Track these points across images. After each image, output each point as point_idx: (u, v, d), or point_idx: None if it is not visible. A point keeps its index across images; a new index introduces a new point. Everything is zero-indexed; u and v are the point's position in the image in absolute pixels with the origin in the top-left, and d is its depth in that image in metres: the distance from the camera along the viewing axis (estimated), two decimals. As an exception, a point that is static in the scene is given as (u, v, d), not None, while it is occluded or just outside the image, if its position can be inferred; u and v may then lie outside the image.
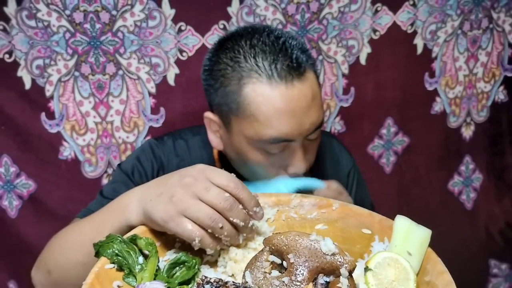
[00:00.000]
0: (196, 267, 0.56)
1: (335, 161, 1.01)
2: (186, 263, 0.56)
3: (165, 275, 0.55)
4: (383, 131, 1.36)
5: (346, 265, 0.46)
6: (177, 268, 0.56)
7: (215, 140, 0.87)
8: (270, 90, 0.75)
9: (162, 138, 0.97)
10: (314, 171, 0.92)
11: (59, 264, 0.72)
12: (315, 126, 0.79)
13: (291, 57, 0.76)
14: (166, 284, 0.51)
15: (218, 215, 0.56)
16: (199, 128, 0.94)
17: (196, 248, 0.57)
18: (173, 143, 0.95)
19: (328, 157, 1.00)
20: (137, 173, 0.90)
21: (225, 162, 0.90)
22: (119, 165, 0.97)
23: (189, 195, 0.57)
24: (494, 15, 1.33)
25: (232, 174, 0.60)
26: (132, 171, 0.90)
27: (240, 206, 0.57)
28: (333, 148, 1.03)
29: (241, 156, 0.83)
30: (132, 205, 0.63)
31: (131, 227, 0.63)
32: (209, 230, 0.56)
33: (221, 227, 0.56)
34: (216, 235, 0.57)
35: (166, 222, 0.57)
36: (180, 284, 0.53)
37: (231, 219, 0.56)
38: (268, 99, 0.76)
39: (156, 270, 0.56)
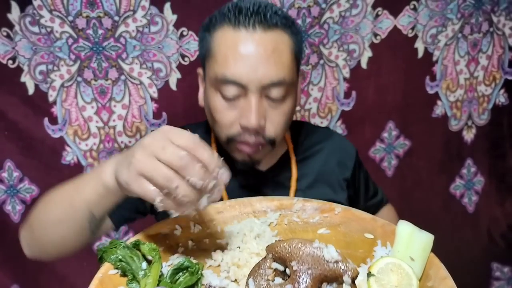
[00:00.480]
0: (200, 272, 0.56)
1: (338, 149, 0.99)
2: (189, 269, 0.56)
3: (169, 281, 0.55)
4: (385, 134, 1.36)
5: (349, 272, 0.46)
6: (181, 273, 0.56)
7: (200, 96, 0.91)
8: (232, 32, 0.79)
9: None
10: (319, 156, 0.94)
11: (40, 221, 0.74)
12: (271, 80, 0.78)
13: (261, 12, 0.80)
14: (170, 290, 0.51)
15: (173, 174, 0.54)
16: (201, 123, 0.98)
17: (159, 210, 0.56)
18: None
19: (329, 146, 0.98)
20: None
21: (219, 145, 0.92)
22: None
23: (146, 155, 0.56)
24: (495, 19, 1.33)
25: (196, 134, 0.58)
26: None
27: (199, 165, 0.55)
28: (340, 140, 1.02)
29: (208, 105, 0.85)
30: (109, 168, 0.64)
31: (107, 190, 0.64)
32: (165, 190, 0.54)
33: (176, 186, 0.54)
34: (173, 196, 0.55)
35: (128, 184, 0.57)
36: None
37: (187, 177, 0.54)
38: (228, 40, 0.79)
39: (160, 276, 0.56)
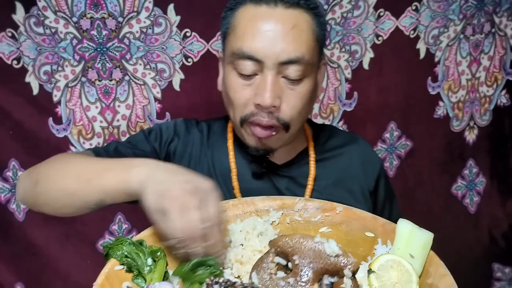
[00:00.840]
0: (221, 273, 0.57)
1: (364, 160, 0.95)
2: (212, 267, 0.57)
3: (188, 269, 0.56)
4: (386, 135, 1.37)
5: (350, 266, 0.47)
6: (202, 268, 0.57)
7: (219, 80, 0.90)
8: (253, 8, 0.79)
9: (189, 119, 0.98)
10: (340, 159, 0.92)
11: (49, 181, 0.74)
12: (289, 56, 0.77)
13: None
14: (179, 278, 0.52)
15: (183, 237, 0.59)
16: (220, 117, 0.97)
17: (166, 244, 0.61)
18: (196, 124, 0.96)
19: (355, 152, 0.95)
20: (154, 135, 0.92)
21: (235, 134, 0.91)
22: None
23: (179, 204, 0.60)
24: (496, 20, 1.34)
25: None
26: (149, 132, 0.93)
27: (204, 244, 0.59)
28: (365, 148, 0.98)
29: (224, 85, 0.84)
30: (139, 172, 0.66)
31: (128, 193, 0.66)
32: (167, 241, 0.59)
33: (177, 248, 0.59)
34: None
35: (151, 211, 0.60)
36: (199, 283, 0.55)
37: (189, 247, 0.59)
38: (249, 14, 0.79)
39: (165, 273, 0.57)
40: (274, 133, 0.80)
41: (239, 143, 0.88)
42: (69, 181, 0.72)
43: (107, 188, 0.68)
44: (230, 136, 0.91)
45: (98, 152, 0.85)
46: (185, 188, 0.61)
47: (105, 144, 0.95)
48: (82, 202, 0.70)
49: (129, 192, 0.65)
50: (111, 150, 0.86)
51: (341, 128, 1.04)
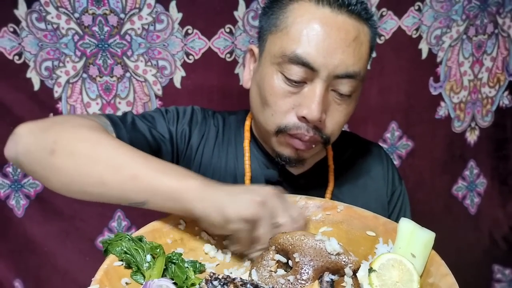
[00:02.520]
0: None
1: (384, 175, 0.91)
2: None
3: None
4: (387, 135, 1.37)
5: (351, 265, 0.46)
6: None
7: (247, 76, 0.83)
8: (315, 8, 0.71)
9: (204, 108, 0.92)
10: (361, 172, 0.87)
11: (74, 158, 0.61)
12: (346, 70, 0.70)
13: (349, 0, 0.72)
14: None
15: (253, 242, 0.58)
16: (235, 111, 0.92)
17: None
18: (213, 114, 0.90)
19: (377, 166, 0.90)
20: (171, 116, 0.85)
21: (252, 134, 0.86)
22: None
23: (268, 220, 0.58)
24: (500, 21, 1.33)
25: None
26: (166, 111, 0.85)
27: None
28: (387, 164, 0.93)
29: (262, 86, 0.75)
30: (195, 183, 0.61)
31: (177, 199, 0.60)
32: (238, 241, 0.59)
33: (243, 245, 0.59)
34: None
35: (232, 220, 0.58)
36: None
37: (252, 248, 0.59)
38: (308, 14, 0.71)
39: (164, 270, 0.56)
40: (314, 145, 0.75)
41: (256, 145, 0.83)
42: (104, 169, 0.61)
43: (157, 191, 0.60)
44: (247, 135, 0.84)
45: (115, 122, 0.75)
46: (266, 195, 0.60)
47: (120, 114, 0.86)
48: (117, 197, 0.61)
49: (180, 201, 0.60)
50: (129, 122, 0.77)
51: (368, 140, 0.97)
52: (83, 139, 0.64)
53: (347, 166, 0.87)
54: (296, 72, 0.71)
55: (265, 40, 0.76)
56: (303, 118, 0.72)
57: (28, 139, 0.65)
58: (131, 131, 0.75)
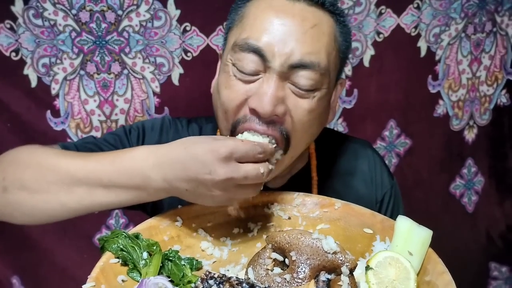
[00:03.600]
0: None
1: (372, 178, 0.85)
2: None
3: None
4: (386, 133, 1.36)
5: (347, 264, 0.46)
6: None
7: (213, 82, 0.79)
8: None
9: (179, 118, 0.89)
10: (347, 180, 0.81)
11: (28, 189, 0.62)
12: (301, 58, 0.64)
13: None
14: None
15: (257, 165, 0.59)
16: (212, 118, 0.84)
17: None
18: (187, 124, 0.87)
19: (364, 170, 0.84)
20: (135, 135, 0.81)
21: None
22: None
23: (224, 164, 0.57)
24: (498, 19, 1.33)
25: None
26: (130, 130, 0.82)
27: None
28: (375, 165, 0.86)
29: (219, 83, 0.71)
30: (153, 181, 0.59)
31: (145, 196, 0.61)
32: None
33: (263, 173, 0.59)
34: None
35: (219, 201, 0.60)
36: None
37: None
38: (264, 4, 0.68)
39: (161, 267, 0.56)
40: (275, 145, 0.66)
41: None
42: (58, 193, 0.61)
43: (110, 183, 0.59)
44: None
45: (66, 147, 0.74)
46: (214, 155, 0.57)
47: (74, 142, 0.84)
48: (81, 211, 0.63)
49: (134, 176, 0.59)
50: (82, 144, 0.76)
51: (353, 138, 0.90)
52: (27, 166, 0.64)
53: (331, 174, 0.81)
54: (248, 62, 0.65)
55: (226, 39, 0.73)
56: (254, 111, 0.65)
57: None
58: (84, 151, 0.72)
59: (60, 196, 0.62)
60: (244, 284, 0.42)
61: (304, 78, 0.65)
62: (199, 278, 0.41)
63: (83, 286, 0.51)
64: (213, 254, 0.63)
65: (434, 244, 0.60)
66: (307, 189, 0.76)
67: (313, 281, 0.44)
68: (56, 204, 0.62)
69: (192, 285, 0.42)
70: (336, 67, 0.71)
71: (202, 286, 0.41)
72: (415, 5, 1.27)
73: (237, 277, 0.43)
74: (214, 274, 0.41)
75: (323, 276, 0.43)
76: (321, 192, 0.79)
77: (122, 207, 0.65)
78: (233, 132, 0.68)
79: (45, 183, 0.62)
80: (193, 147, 0.57)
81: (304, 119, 0.67)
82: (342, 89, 0.82)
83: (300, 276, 0.47)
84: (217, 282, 0.41)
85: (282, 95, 0.65)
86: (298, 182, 0.78)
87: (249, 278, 0.46)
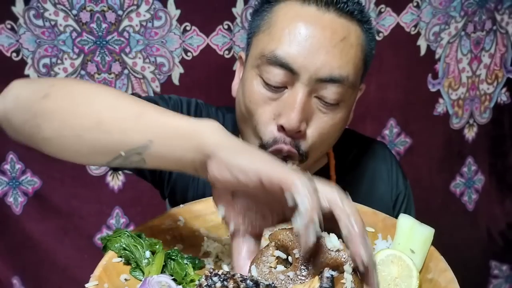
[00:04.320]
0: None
1: (389, 178, 0.85)
2: None
3: None
4: (386, 132, 1.37)
5: (351, 262, 0.46)
6: None
7: (235, 86, 0.77)
8: (300, 6, 0.65)
9: (209, 104, 0.86)
10: (366, 179, 0.80)
11: (69, 99, 0.52)
12: (330, 72, 0.63)
13: None
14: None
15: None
16: (233, 109, 0.83)
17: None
18: (215, 111, 0.84)
19: (382, 170, 0.83)
20: (173, 104, 0.77)
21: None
22: None
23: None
24: (498, 17, 1.33)
25: None
26: (169, 98, 0.78)
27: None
28: (391, 166, 0.86)
29: (243, 93, 0.69)
30: (211, 124, 0.48)
31: (192, 137, 0.48)
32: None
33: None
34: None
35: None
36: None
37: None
38: (292, 12, 0.65)
39: (163, 267, 0.56)
40: (292, 163, 0.66)
41: None
42: (103, 108, 0.50)
43: (166, 128, 0.48)
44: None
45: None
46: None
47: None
48: (115, 140, 0.49)
49: (192, 137, 0.47)
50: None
51: (369, 138, 0.90)
52: (83, 83, 0.57)
53: (351, 173, 0.81)
54: (275, 75, 0.64)
55: (250, 44, 0.71)
56: (281, 128, 0.64)
57: (19, 88, 0.57)
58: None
59: (103, 116, 0.50)
60: (248, 281, 0.42)
61: (331, 92, 0.65)
62: (203, 275, 0.41)
63: (86, 285, 0.51)
64: (215, 253, 0.63)
65: (435, 243, 0.61)
66: None
67: (317, 277, 0.44)
68: (93, 122, 0.50)
69: (196, 282, 0.43)
70: (360, 76, 0.71)
71: (206, 283, 0.41)
72: (415, 4, 1.27)
73: (241, 275, 0.43)
74: (218, 271, 0.42)
75: (327, 273, 0.43)
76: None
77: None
78: (261, 147, 0.67)
79: (95, 101, 0.52)
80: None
81: (325, 132, 0.67)
82: (361, 92, 0.83)
83: (303, 274, 0.47)
84: (221, 279, 0.41)
85: (308, 110, 0.65)
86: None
87: (253, 276, 0.47)
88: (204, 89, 1.21)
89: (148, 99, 0.74)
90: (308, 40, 0.63)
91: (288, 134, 0.65)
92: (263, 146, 0.66)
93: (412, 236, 0.60)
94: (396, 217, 0.81)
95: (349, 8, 0.66)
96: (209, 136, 0.47)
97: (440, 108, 1.38)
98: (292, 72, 0.64)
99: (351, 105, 0.71)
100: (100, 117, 0.50)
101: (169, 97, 0.79)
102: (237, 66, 0.78)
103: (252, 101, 0.66)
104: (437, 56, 1.33)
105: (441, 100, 1.37)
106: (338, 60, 0.64)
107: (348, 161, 0.82)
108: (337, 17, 0.65)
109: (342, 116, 0.68)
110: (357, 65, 0.68)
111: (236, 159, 0.45)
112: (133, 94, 0.77)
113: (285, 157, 0.66)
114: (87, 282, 0.53)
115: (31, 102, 0.53)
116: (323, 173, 0.78)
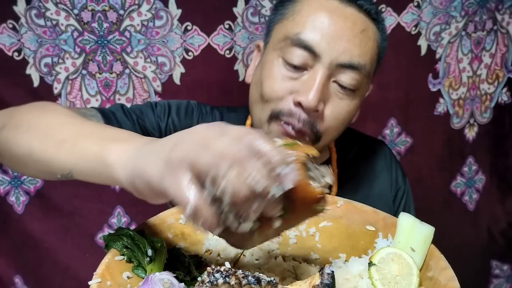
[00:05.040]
0: None
1: (389, 175, 0.88)
2: None
3: None
4: (386, 131, 1.37)
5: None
6: None
7: (250, 71, 0.80)
8: (324, 0, 0.71)
9: (202, 103, 0.88)
10: (367, 176, 0.82)
11: (17, 130, 0.57)
12: (350, 59, 0.68)
13: None
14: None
15: (226, 163, 0.39)
16: (235, 108, 0.88)
17: (185, 220, 0.46)
18: (211, 110, 0.86)
19: (382, 167, 0.87)
20: (161, 110, 0.79)
21: None
22: None
23: (195, 142, 0.41)
24: (499, 17, 1.33)
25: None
26: (156, 105, 0.81)
27: (261, 161, 0.40)
28: (391, 163, 0.90)
29: (262, 73, 0.71)
30: (124, 148, 0.47)
31: (100, 169, 0.49)
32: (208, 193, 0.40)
33: (227, 180, 0.39)
34: (216, 202, 0.41)
35: (160, 178, 0.42)
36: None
37: (245, 177, 0.39)
38: (316, 3, 0.71)
39: (165, 265, 0.57)
40: (307, 138, 0.70)
41: None
42: (34, 137, 0.54)
43: (83, 158, 0.49)
44: None
45: (104, 113, 0.72)
46: (195, 130, 0.44)
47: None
48: (43, 166, 0.53)
49: (105, 170, 0.48)
50: (114, 110, 0.75)
51: (370, 137, 0.94)
52: (35, 112, 0.60)
53: (351, 168, 0.84)
54: (298, 55, 0.68)
55: (271, 31, 0.76)
56: (299, 104, 0.68)
57: None
58: (116, 118, 0.73)
59: (32, 146, 0.54)
60: (250, 277, 0.42)
61: (350, 77, 0.69)
62: (206, 272, 0.42)
63: (89, 283, 0.52)
64: (217, 251, 0.64)
65: (436, 242, 0.61)
66: None
67: (318, 273, 0.45)
68: (26, 151, 0.55)
69: (199, 278, 0.43)
70: (373, 71, 0.76)
71: (208, 280, 0.41)
72: (415, 4, 1.27)
73: (243, 271, 0.43)
74: (221, 268, 0.42)
75: (328, 269, 0.44)
76: (341, 187, 0.81)
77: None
78: (271, 120, 0.70)
79: (31, 130, 0.56)
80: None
81: (340, 117, 0.71)
82: (368, 93, 0.87)
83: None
84: (223, 276, 0.41)
85: (326, 92, 0.69)
86: None
87: (256, 272, 0.47)
88: (205, 89, 1.21)
89: (135, 108, 0.78)
90: (331, 27, 0.69)
91: (305, 111, 0.68)
92: (275, 116, 0.69)
93: (412, 234, 0.60)
94: (396, 212, 0.83)
95: (367, 6, 0.72)
96: (119, 168, 0.47)
97: (440, 108, 1.38)
98: (314, 55, 0.68)
99: (363, 96, 0.75)
100: (31, 146, 0.54)
101: (156, 103, 0.82)
102: (254, 55, 0.82)
103: (270, 77, 0.70)
104: (437, 56, 1.33)
105: (441, 100, 1.37)
106: (358, 48, 0.69)
107: (349, 157, 0.85)
108: (357, 11, 0.72)
109: (356, 104, 0.73)
110: (373, 58, 0.73)
111: (146, 189, 0.46)
112: (115, 106, 0.77)
113: (296, 133, 0.68)
114: (89, 280, 0.53)
115: None
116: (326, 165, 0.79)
